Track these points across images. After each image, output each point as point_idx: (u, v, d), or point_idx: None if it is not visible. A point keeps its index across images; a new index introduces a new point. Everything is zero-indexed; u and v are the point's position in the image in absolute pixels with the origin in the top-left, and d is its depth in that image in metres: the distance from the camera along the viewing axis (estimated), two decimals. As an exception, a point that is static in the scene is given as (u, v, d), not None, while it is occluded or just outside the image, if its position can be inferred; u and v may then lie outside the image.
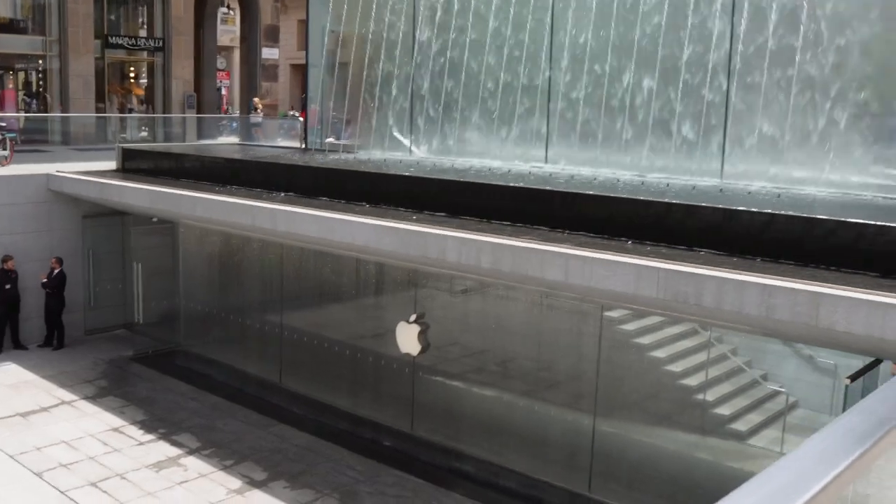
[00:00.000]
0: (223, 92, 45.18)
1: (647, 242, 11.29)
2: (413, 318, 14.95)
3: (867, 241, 9.78)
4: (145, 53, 37.43)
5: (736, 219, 10.93)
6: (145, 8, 37.34)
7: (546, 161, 17.58)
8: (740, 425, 12.58)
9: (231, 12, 47.42)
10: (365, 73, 20.84)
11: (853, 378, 10.41)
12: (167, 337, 20.64)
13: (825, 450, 2.41)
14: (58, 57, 33.34)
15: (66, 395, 17.05)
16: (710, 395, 12.79)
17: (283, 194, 16.09)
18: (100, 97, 34.92)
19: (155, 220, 20.06)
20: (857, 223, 9.93)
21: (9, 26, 33.51)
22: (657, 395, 13.27)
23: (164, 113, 35.92)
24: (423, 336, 14.82)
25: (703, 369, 12.99)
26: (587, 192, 13.00)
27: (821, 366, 12.52)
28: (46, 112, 33.01)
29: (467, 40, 18.69)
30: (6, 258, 18.96)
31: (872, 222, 9.86)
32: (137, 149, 22.68)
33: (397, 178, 15.53)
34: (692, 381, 12.93)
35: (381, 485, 13.70)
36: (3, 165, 21.33)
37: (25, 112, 33.11)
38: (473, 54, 18.64)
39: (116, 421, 15.87)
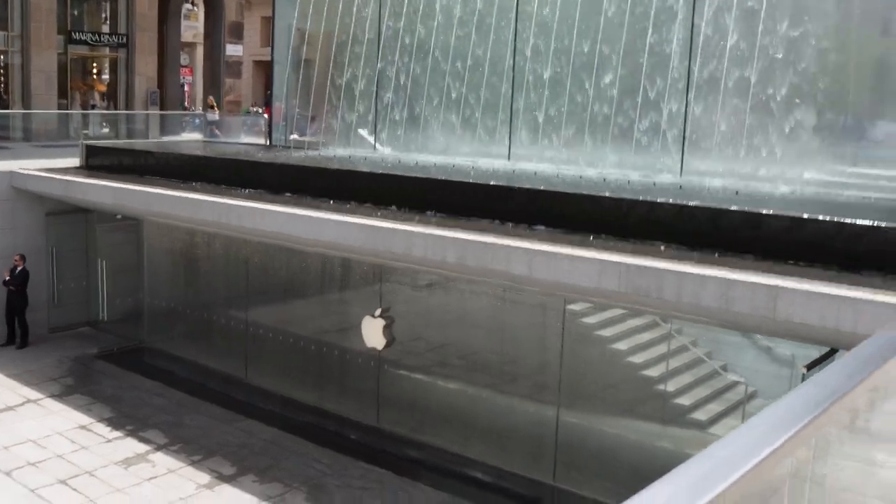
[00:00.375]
0: (186, 88, 44.96)
1: (607, 237, 11.54)
2: (378, 312, 15.11)
3: (823, 236, 10.10)
4: (108, 49, 37.15)
5: (695, 215, 11.21)
6: (109, 4, 37.01)
7: (509, 158, 17.81)
8: (700, 415, 12.89)
9: (195, 8, 47.19)
10: (330, 70, 20.94)
11: (810, 367, 10.73)
12: (132, 334, 20.61)
13: (781, 417, 2.60)
14: (20, 52, 32.99)
15: (32, 393, 16.99)
16: (671, 386, 13.09)
17: (247, 191, 16.16)
18: (62, 93, 34.61)
19: (119, 216, 20.02)
20: (814, 220, 10.26)
21: (-30, 21, 33.16)
22: (619, 386, 13.54)
23: (126, 109, 35.70)
24: (388, 330, 14.99)
25: (663, 360, 13.28)
26: (550, 189, 13.24)
27: (778, 356, 12.85)
28: (7, 108, 32.67)
29: (433, 39, 18.87)
30: (-30, 256, 18.84)
31: (829, 219, 10.20)
32: (101, 146, 22.58)
33: (362, 174, 15.68)
34: (653, 372, 13.22)
35: (349, 477, 13.85)
36: (-36, 163, 21.17)
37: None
38: (438, 52, 18.82)
39: (83, 419, 15.86)
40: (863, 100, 14.50)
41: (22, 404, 16.44)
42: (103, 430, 15.44)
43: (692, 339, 13.54)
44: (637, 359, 13.38)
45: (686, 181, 15.00)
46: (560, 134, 16.91)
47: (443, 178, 14.74)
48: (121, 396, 17.21)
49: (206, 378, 18.34)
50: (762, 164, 14.55)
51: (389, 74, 19.79)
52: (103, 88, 38.00)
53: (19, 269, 19.31)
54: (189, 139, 29.67)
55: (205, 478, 13.64)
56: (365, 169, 16.30)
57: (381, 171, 15.84)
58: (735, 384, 13.00)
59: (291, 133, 22.49)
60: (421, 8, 19.10)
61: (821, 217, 10.35)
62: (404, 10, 19.37)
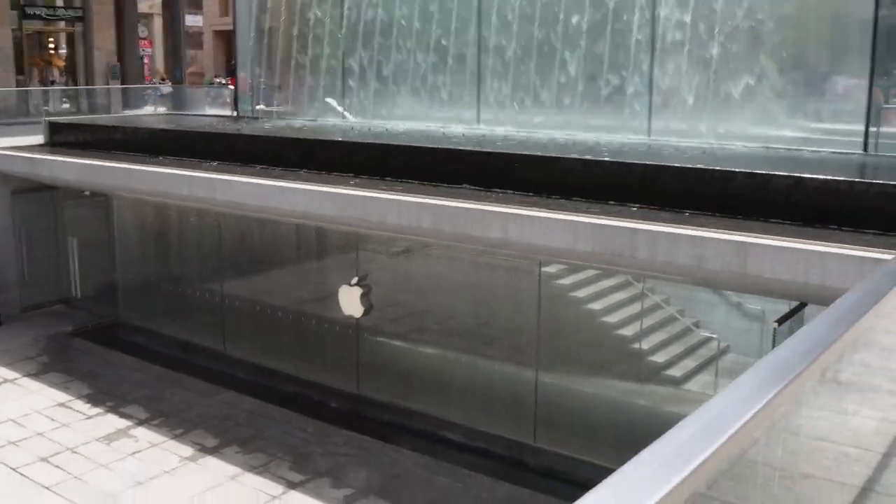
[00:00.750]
0: (145, 61, 44.44)
1: (577, 199, 11.70)
2: (355, 280, 15.20)
3: (788, 191, 10.32)
4: (64, 23, 36.63)
5: (665, 174, 11.40)
6: (61, -23, 36.47)
7: (478, 122, 17.89)
8: (675, 371, 13.15)
9: (150, -22, 46.56)
10: (294, 38, 20.84)
11: (780, 321, 10.99)
12: (106, 311, 20.54)
13: (760, 380, 2.74)
14: (-27, 29, 32.50)
15: (8, 373, 16.95)
16: (646, 344, 13.33)
17: (215, 163, 16.09)
18: (19, 70, 34.14)
19: (87, 193, 19.88)
20: (779, 175, 10.48)
21: (-82, -2, 32.52)
22: (595, 346, 13.78)
23: (86, 84, 35.27)
24: (365, 298, 15.09)
25: (637, 319, 13.51)
26: (518, 153, 13.37)
27: (749, 312, 13.14)
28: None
29: (398, 2, 18.83)
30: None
31: (792, 174, 10.43)
32: (65, 122, 22.35)
33: (333, 143, 15.70)
34: (628, 332, 13.45)
35: (332, 445, 14.01)
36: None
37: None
38: (404, 15, 18.79)
39: (62, 396, 15.86)
40: (822, 54, 14.69)
41: (-1, 384, 16.44)
42: (83, 406, 15.46)
43: (664, 297, 13.77)
44: (612, 318, 13.60)
45: (654, 141, 15.19)
46: (528, 97, 17.01)
47: (414, 144, 14.81)
48: (98, 373, 17.21)
49: (185, 352, 18.37)
50: (726, 123, 14.75)
51: (355, 41, 19.73)
52: (62, 63, 37.51)
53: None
54: (153, 113, 29.42)
55: (188, 450, 13.73)
56: (337, 137, 16.31)
57: (352, 140, 15.86)
58: (708, 340, 13.27)
59: (258, 103, 22.39)
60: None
61: (785, 173, 10.58)
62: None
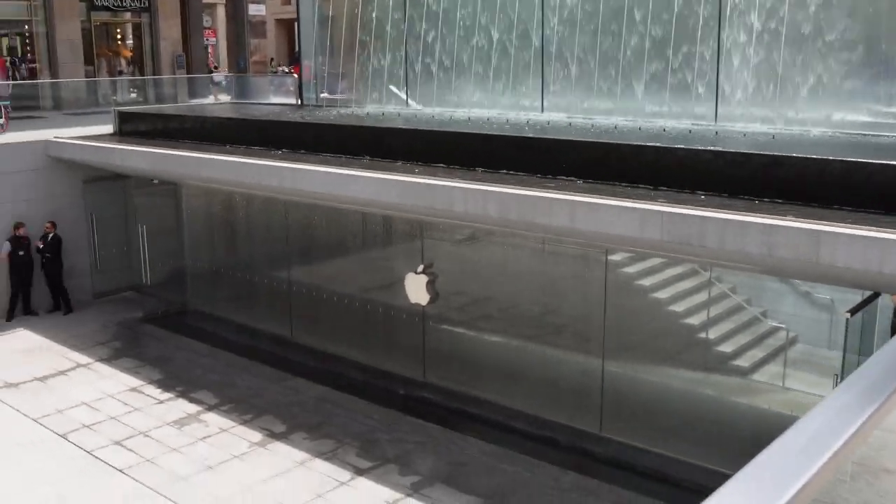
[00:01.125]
0: (209, 50, 44.97)
1: (642, 186, 11.59)
2: (421, 268, 15.27)
3: (866, 179, 10.10)
4: (130, 14, 37.19)
5: (733, 160, 11.24)
6: (128, -32, 37.02)
7: (542, 110, 17.80)
8: (743, 361, 12.99)
9: (213, -31, 47.05)
10: (357, 25, 20.92)
11: (853, 312, 10.80)
12: (175, 297, 20.93)
13: (847, 403, 2.62)
14: (43, 21, 33.10)
15: (82, 358, 17.38)
16: (713, 333, 13.19)
17: (281, 151, 16.26)
18: (88, 61, 34.75)
19: (155, 181, 20.22)
20: (858, 162, 10.25)
21: (-8, -8, 33.26)
22: (662, 335, 13.67)
23: (153, 74, 35.82)
24: (431, 286, 15.15)
25: (704, 308, 13.37)
26: (582, 140, 13.29)
27: (818, 301, 12.91)
28: (35, 78, 32.87)
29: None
30: (18, 225, 19.08)
31: (874, 161, 10.18)
32: (134, 112, 22.75)
33: (400, 131, 15.76)
34: (695, 321, 13.33)
35: (400, 432, 14.12)
36: (-1, 134, 21.43)
37: (13, 79, 32.96)
38: (467, 2, 18.75)
39: (134, 381, 16.22)
40: (894, 37, 14.32)
41: (73, 368, 16.84)
42: (154, 391, 15.80)
43: (731, 286, 13.60)
44: (678, 307, 13.49)
45: (721, 128, 14.98)
46: (593, 85, 16.88)
47: (482, 132, 14.80)
48: (169, 358, 17.57)
49: (252, 338, 18.64)
50: (797, 108, 14.49)
51: (418, 29, 19.74)
52: (129, 54, 38.12)
53: (51, 235, 19.55)
54: (218, 102, 29.80)
55: (257, 436, 13.97)
56: (401, 125, 16.36)
57: (416, 127, 15.90)
58: (776, 330, 13.08)
59: (322, 91, 22.54)
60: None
61: (862, 160, 10.34)
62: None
